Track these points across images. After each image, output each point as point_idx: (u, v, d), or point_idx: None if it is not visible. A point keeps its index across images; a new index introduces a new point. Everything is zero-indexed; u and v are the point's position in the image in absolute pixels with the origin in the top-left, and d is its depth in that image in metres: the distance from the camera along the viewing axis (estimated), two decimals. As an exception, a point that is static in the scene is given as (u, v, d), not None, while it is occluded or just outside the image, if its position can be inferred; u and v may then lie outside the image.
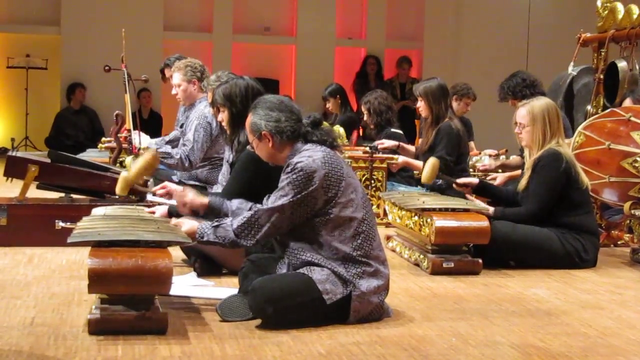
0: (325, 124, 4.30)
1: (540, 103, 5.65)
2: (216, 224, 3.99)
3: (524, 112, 5.65)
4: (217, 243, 4.00)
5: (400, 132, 8.08)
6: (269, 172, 4.35)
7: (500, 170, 7.53)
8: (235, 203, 4.26)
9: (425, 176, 5.83)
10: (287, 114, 4.05)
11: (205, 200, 4.29)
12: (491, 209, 5.62)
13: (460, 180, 5.93)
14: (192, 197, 4.29)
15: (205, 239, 4.00)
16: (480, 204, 5.72)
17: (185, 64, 6.84)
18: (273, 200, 3.94)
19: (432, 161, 5.81)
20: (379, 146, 7.58)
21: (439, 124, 6.92)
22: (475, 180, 5.99)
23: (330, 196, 3.92)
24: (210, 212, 4.24)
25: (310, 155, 3.94)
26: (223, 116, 5.08)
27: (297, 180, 3.88)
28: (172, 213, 4.50)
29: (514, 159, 7.64)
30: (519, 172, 7.01)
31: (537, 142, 5.59)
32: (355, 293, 3.92)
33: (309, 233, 3.95)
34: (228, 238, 3.96)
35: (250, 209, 4.08)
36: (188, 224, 4.05)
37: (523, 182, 5.66)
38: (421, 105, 7.09)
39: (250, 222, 3.94)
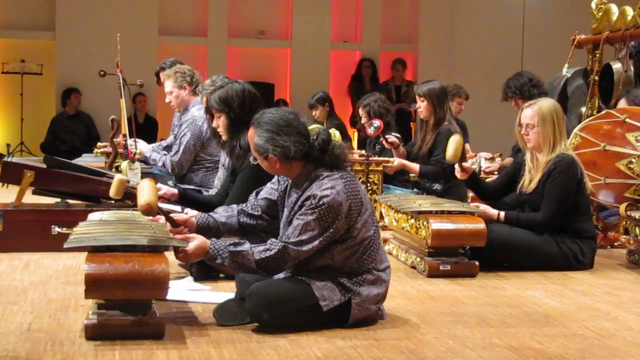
0: (337, 136, 4.24)
1: (547, 103, 5.62)
2: (233, 249, 3.84)
3: (531, 112, 5.58)
4: (231, 267, 3.90)
5: (399, 135, 8.06)
6: (271, 177, 4.33)
7: (496, 173, 7.55)
8: (221, 213, 4.19)
9: (450, 154, 5.59)
10: (295, 137, 3.91)
11: (192, 222, 4.10)
12: (502, 214, 5.59)
13: (466, 164, 5.83)
14: (190, 235, 3.99)
15: (218, 261, 3.85)
16: (488, 208, 5.68)
17: (175, 70, 6.87)
18: (297, 235, 3.82)
19: (456, 138, 5.62)
20: (389, 139, 7.49)
21: (440, 126, 6.91)
22: (472, 168, 5.93)
23: (350, 225, 3.90)
24: (200, 232, 4.06)
25: (333, 187, 3.85)
26: (219, 122, 5.06)
27: (325, 216, 3.82)
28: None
29: (507, 160, 7.65)
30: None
31: (548, 143, 5.54)
32: (355, 301, 3.92)
33: (320, 254, 3.91)
34: (247, 267, 3.85)
35: (276, 242, 3.86)
36: (198, 240, 3.88)
37: (532, 185, 5.60)
38: (422, 107, 7.02)
39: (275, 258, 3.83)
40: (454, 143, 5.58)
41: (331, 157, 3.96)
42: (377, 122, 7.29)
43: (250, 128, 4.03)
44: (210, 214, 4.19)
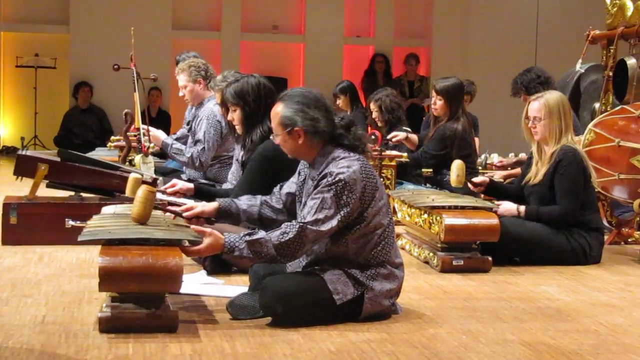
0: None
1: (554, 96, 5.63)
2: (249, 238, 3.77)
3: (538, 105, 5.59)
4: (249, 258, 3.82)
5: (410, 130, 8.08)
6: (280, 171, 4.35)
7: (512, 168, 7.53)
8: (244, 200, 4.20)
9: (454, 180, 5.78)
10: (324, 112, 3.92)
11: (214, 204, 4.13)
12: (522, 208, 5.59)
13: (476, 180, 5.90)
14: (201, 207, 4.10)
15: (236, 253, 3.77)
16: (508, 204, 5.67)
17: (189, 64, 6.87)
18: (313, 214, 3.78)
19: (457, 163, 5.79)
20: (393, 139, 7.62)
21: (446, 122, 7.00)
22: (487, 179, 5.96)
23: (364, 207, 3.88)
24: (222, 216, 4.11)
25: (349, 166, 3.84)
26: (234, 115, 5.08)
27: (341, 193, 3.79)
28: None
29: (523, 156, 7.63)
30: (518, 170, 7.00)
31: (554, 135, 5.55)
32: (368, 295, 3.91)
33: (334, 241, 3.91)
34: (266, 254, 3.77)
35: (292, 225, 3.80)
36: (211, 237, 3.79)
37: (538, 177, 5.60)
38: (438, 104, 7.12)
39: (294, 240, 3.77)
40: (455, 169, 5.76)
41: (353, 137, 3.96)
42: (374, 135, 7.41)
43: (276, 104, 4.01)
44: (233, 199, 4.19)
